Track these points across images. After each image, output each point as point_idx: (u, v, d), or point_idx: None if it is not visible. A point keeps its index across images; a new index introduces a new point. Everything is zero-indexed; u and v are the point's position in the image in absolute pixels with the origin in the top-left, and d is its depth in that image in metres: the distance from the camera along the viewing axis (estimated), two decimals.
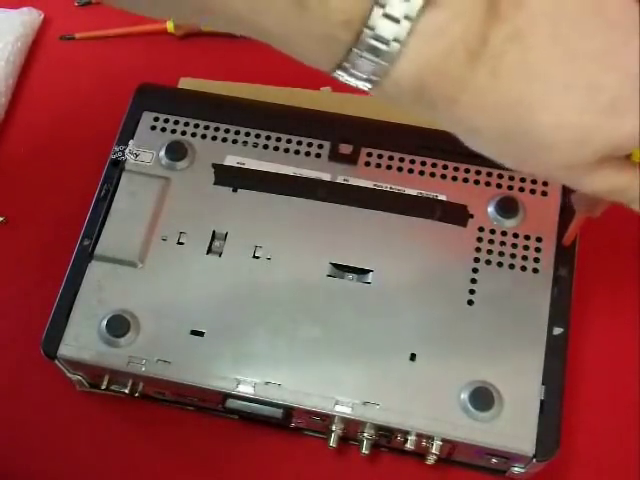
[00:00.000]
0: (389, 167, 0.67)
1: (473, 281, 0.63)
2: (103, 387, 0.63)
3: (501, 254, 0.64)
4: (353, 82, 0.43)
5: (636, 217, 0.70)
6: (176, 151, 0.67)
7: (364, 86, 0.43)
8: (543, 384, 0.59)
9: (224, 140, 0.69)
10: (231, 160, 0.68)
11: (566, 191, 0.64)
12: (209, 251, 0.64)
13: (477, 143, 0.45)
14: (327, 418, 0.59)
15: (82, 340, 0.61)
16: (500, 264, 0.63)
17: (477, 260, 0.63)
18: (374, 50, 0.40)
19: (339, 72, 0.42)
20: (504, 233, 0.64)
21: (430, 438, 0.58)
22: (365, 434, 0.59)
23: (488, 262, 0.63)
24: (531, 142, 0.43)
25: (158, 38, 0.84)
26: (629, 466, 0.64)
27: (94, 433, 0.66)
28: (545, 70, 0.42)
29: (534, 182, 0.66)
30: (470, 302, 0.62)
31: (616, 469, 0.64)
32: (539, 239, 0.64)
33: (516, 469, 0.60)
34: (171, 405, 0.65)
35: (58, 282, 0.63)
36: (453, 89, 0.42)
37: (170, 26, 0.83)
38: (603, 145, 0.43)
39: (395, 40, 0.39)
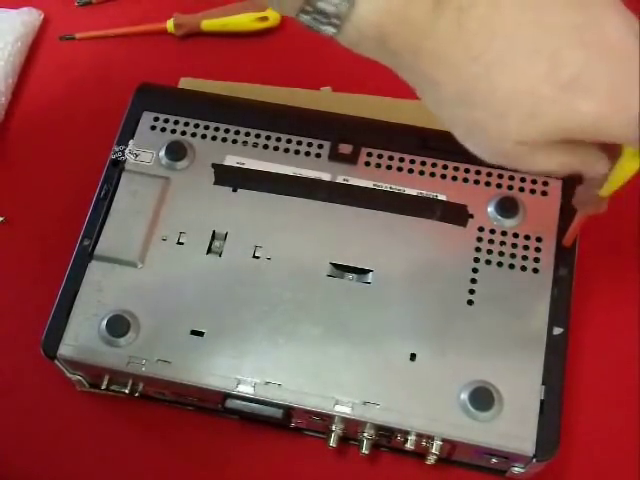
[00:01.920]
0: (389, 167, 0.67)
1: (473, 281, 0.63)
2: (103, 387, 0.63)
3: (501, 254, 0.64)
4: (317, 27, 0.43)
5: (636, 217, 0.71)
6: (176, 151, 0.67)
7: (328, 31, 0.43)
8: (543, 384, 0.59)
9: (224, 140, 0.69)
10: (231, 160, 0.68)
11: (567, 191, 0.64)
12: (209, 251, 0.64)
13: (436, 101, 0.45)
14: (327, 418, 0.59)
15: (82, 340, 0.61)
16: (500, 264, 0.63)
17: (477, 260, 0.63)
18: None
19: (303, 16, 0.43)
20: (504, 233, 0.64)
21: (430, 438, 0.58)
22: (365, 434, 0.59)
23: (488, 262, 0.63)
24: (484, 108, 0.43)
25: (158, 38, 0.84)
26: (629, 466, 0.64)
27: (94, 433, 0.66)
28: (511, 31, 0.41)
29: (534, 182, 0.66)
30: (470, 302, 0.62)
31: (616, 469, 0.64)
32: (539, 239, 0.64)
33: (516, 469, 0.60)
34: (171, 405, 0.65)
35: (58, 282, 0.63)
36: (415, 37, 0.42)
37: (170, 26, 0.83)
38: (554, 122, 0.42)
39: None
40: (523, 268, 0.63)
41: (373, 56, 0.44)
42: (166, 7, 0.85)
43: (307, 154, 0.68)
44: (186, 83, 0.80)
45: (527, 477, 0.61)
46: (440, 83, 0.43)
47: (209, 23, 0.83)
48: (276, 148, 0.68)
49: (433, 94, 0.44)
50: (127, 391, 0.62)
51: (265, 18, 0.83)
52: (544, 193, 0.66)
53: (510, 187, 0.66)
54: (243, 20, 0.83)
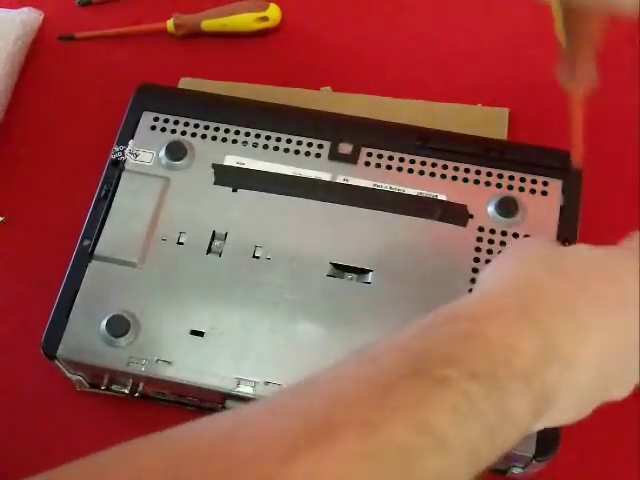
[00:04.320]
0: (389, 167, 0.67)
1: (473, 281, 0.63)
2: (103, 387, 0.63)
3: None
4: None
5: (636, 217, 0.71)
6: (176, 151, 0.67)
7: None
8: None
9: (224, 140, 0.69)
10: (231, 160, 0.68)
11: (567, 191, 0.64)
12: (209, 251, 0.64)
13: None
14: None
15: (82, 340, 0.61)
16: None
17: (477, 260, 0.63)
18: None
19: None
20: (504, 233, 0.64)
21: None
22: None
23: (488, 262, 0.63)
24: None
25: (158, 38, 0.84)
26: (629, 466, 0.64)
27: (94, 433, 0.66)
28: None
29: (534, 182, 0.66)
30: None
31: (616, 469, 0.64)
32: None
33: (516, 469, 0.60)
34: (171, 405, 0.65)
35: (58, 282, 0.63)
36: None
37: (170, 26, 0.83)
38: None
39: None
40: None
41: None
42: (166, 7, 0.85)
43: (307, 154, 0.68)
44: (186, 83, 0.80)
45: (527, 477, 0.61)
46: None
47: (209, 23, 0.83)
48: (276, 148, 0.68)
49: None
50: (127, 391, 0.62)
51: (265, 18, 0.83)
52: (544, 193, 0.66)
53: (510, 187, 0.66)
54: (243, 20, 0.83)
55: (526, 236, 0.64)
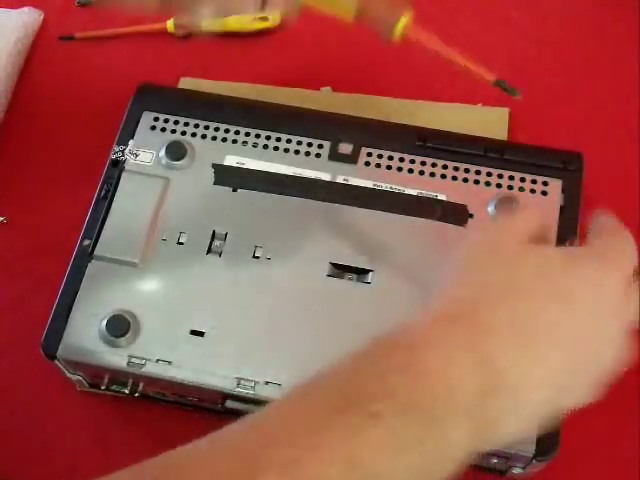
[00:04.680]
0: (389, 167, 0.67)
1: None
2: (103, 387, 0.63)
3: None
4: None
5: (637, 217, 0.71)
6: (176, 151, 0.67)
7: None
8: None
9: (224, 140, 0.68)
10: (231, 160, 0.68)
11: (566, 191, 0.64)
12: (209, 251, 0.64)
13: None
14: None
15: (82, 340, 0.61)
16: None
17: None
18: None
19: None
20: None
21: None
22: None
23: None
24: None
25: (158, 38, 0.84)
26: (629, 466, 0.64)
27: (94, 433, 0.66)
28: None
29: (534, 182, 0.66)
30: None
31: (616, 469, 0.64)
32: None
33: (516, 469, 0.60)
34: (171, 405, 0.65)
35: (58, 282, 0.63)
36: None
37: (170, 26, 0.83)
38: None
39: None
40: None
41: None
42: None
43: (307, 154, 0.68)
44: (186, 83, 0.80)
45: (527, 477, 0.61)
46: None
47: (209, 23, 0.83)
48: (276, 148, 0.68)
49: None
50: (127, 391, 0.62)
51: (265, 18, 0.82)
52: (544, 193, 0.66)
53: (510, 187, 0.66)
54: (243, 20, 0.83)
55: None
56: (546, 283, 0.46)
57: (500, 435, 0.43)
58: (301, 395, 0.41)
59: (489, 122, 0.77)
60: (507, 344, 0.43)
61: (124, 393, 0.62)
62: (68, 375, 0.63)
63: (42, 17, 0.85)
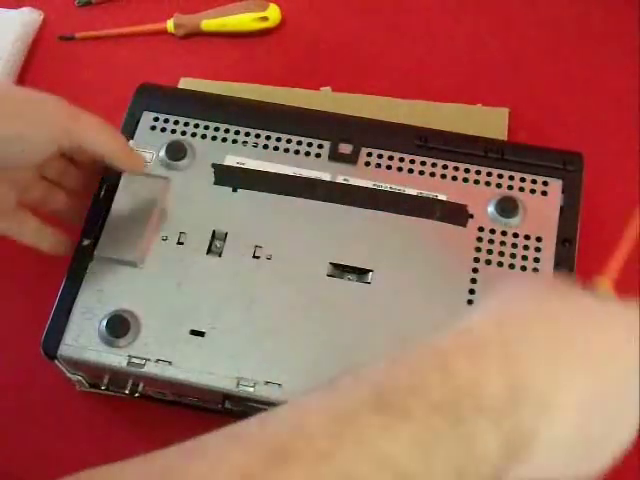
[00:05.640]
0: (389, 167, 0.67)
1: (473, 281, 0.62)
2: (103, 387, 0.63)
3: (501, 254, 0.64)
4: None
5: (637, 218, 0.70)
6: (176, 151, 0.67)
7: None
8: None
9: (224, 140, 0.68)
10: (231, 160, 0.68)
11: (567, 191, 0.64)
12: (209, 251, 0.64)
13: None
14: None
15: (82, 340, 0.61)
16: (500, 264, 0.63)
17: (477, 260, 0.63)
18: None
19: None
20: (504, 233, 0.64)
21: None
22: None
23: (488, 262, 0.63)
24: None
25: (158, 38, 0.84)
26: (629, 466, 0.64)
27: (93, 433, 0.66)
28: None
29: (534, 182, 0.66)
30: (470, 302, 0.62)
31: (616, 469, 0.64)
32: (539, 239, 0.64)
33: None
34: (171, 405, 0.65)
35: (58, 282, 0.63)
36: None
37: (170, 26, 0.83)
38: None
39: None
40: (523, 268, 0.63)
41: None
42: (166, 7, 0.85)
43: (307, 154, 0.68)
44: (186, 83, 0.80)
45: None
46: None
47: (209, 23, 0.83)
48: (276, 148, 0.68)
49: None
50: (127, 391, 0.62)
51: (265, 18, 0.83)
52: (544, 193, 0.66)
53: (510, 187, 0.66)
54: (243, 20, 0.83)
55: (526, 237, 0.64)
56: (588, 317, 0.45)
57: (540, 464, 0.42)
58: (330, 391, 0.41)
59: (489, 122, 0.77)
60: (540, 364, 0.42)
61: (124, 393, 0.62)
62: (68, 375, 0.63)
63: (42, 17, 0.85)
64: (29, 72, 0.83)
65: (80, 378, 0.63)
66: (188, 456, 0.39)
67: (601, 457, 0.45)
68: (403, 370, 0.41)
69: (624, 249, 0.54)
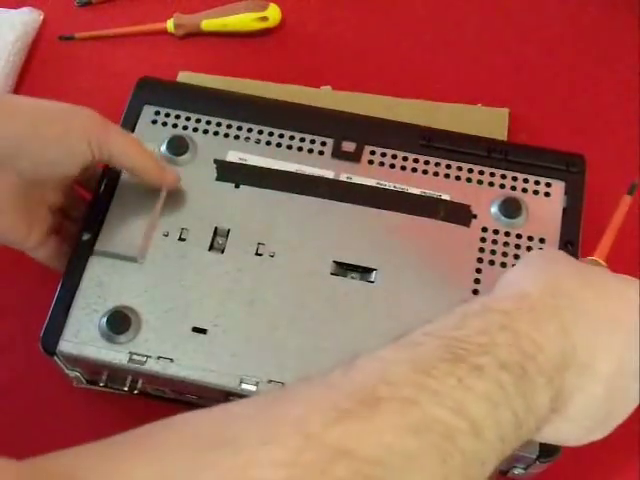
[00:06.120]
0: (392, 165, 0.67)
1: (476, 281, 0.62)
2: (101, 384, 0.62)
3: (504, 254, 0.63)
4: None
5: (637, 218, 0.70)
6: (177, 146, 0.67)
7: None
8: None
9: (226, 135, 0.68)
10: (233, 156, 0.67)
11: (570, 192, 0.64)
12: (211, 248, 0.63)
13: None
14: None
15: (82, 336, 0.60)
16: (503, 264, 0.63)
17: (480, 260, 0.63)
18: None
19: None
20: (507, 233, 0.64)
21: None
22: None
23: (491, 262, 0.63)
24: None
25: (158, 38, 0.84)
26: (629, 466, 0.64)
27: (91, 430, 0.64)
28: None
29: (537, 183, 0.66)
30: None
31: (616, 469, 0.64)
32: (542, 240, 0.64)
33: (517, 470, 0.60)
34: (171, 403, 0.64)
35: (58, 278, 0.63)
36: None
37: (170, 26, 0.83)
38: None
39: None
40: None
41: None
42: (166, 7, 0.85)
43: (310, 151, 0.67)
44: (185, 77, 0.79)
45: (528, 477, 0.61)
46: None
47: (209, 23, 0.83)
48: (279, 145, 0.68)
49: None
50: (126, 388, 0.61)
51: (265, 18, 0.83)
52: (547, 194, 0.66)
53: (513, 188, 0.66)
54: (243, 20, 0.83)
55: (529, 237, 0.64)
56: (618, 295, 0.50)
57: (564, 423, 0.48)
58: (404, 345, 0.45)
59: (489, 122, 0.77)
60: (584, 333, 0.47)
61: (123, 390, 0.61)
62: (67, 371, 0.62)
63: (42, 17, 0.85)
64: (29, 72, 0.82)
65: (78, 374, 0.63)
66: (277, 402, 0.42)
67: (612, 424, 0.51)
68: (471, 327, 0.45)
69: (611, 233, 0.61)
